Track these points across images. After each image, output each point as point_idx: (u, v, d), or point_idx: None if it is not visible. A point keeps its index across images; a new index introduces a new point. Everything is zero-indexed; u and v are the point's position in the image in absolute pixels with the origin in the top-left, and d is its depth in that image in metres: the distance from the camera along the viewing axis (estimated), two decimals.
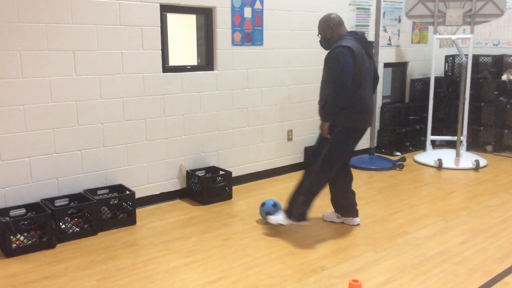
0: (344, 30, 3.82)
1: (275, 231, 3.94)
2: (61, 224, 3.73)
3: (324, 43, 3.89)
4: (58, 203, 3.93)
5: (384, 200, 4.72)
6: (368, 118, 3.79)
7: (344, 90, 3.57)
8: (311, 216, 4.25)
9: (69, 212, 3.80)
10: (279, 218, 3.92)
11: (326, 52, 3.81)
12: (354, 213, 4.08)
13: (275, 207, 4.11)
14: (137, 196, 4.26)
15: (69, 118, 4.00)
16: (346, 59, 3.57)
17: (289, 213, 3.86)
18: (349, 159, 4.05)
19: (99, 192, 4.17)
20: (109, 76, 4.16)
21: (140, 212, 4.32)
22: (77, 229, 3.80)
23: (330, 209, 4.26)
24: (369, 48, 3.80)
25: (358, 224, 4.08)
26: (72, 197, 4.02)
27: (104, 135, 4.20)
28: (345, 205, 4.05)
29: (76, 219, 3.82)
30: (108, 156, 4.25)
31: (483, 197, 4.80)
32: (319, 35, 3.89)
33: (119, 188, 4.26)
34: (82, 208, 3.84)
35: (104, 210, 3.96)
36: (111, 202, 4.02)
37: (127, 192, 4.18)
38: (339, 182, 3.99)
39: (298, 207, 3.81)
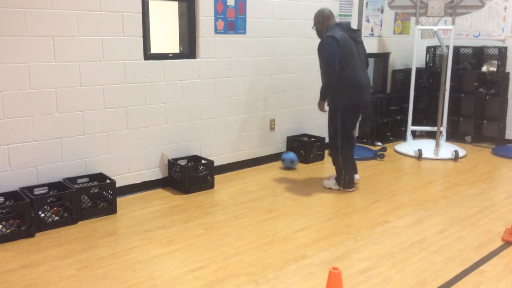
0: (332, 23, 4.52)
1: (256, 220, 3.96)
2: (40, 213, 3.68)
3: (318, 33, 4.64)
4: (37, 191, 3.87)
5: (365, 189, 4.77)
6: (362, 93, 4.49)
7: (333, 71, 4.33)
8: (290, 209, 4.29)
9: (48, 200, 3.76)
10: (330, 183, 4.78)
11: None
12: (355, 170, 4.84)
13: (292, 163, 5.39)
14: (118, 185, 4.22)
15: (48, 106, 3.93)
16: (331, 46, 4.31)
17: (339, 181, 4.72)
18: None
19: (79, 180, 4.12)
20: (89, 63, 4.09)
21: (120, 201, 4.29)
22: (56, 218, 3.76)
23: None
24: (353, 34, 4.48)
25: (358, 179, 4.95)
26: (51, 186, 3.97)
27: (84, 123, 4.15)
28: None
29: (55, 208, 3.78)
30: (88, 144, 4.20)
31: (461, 187, 4.88)
32: (314, 27, 4.65)
33: (100, 177, 4.22)
34: (61, 197, 3.80)
35: (84, 199, 3.93)
36: (91, 191, 3.98)
37: (108, 181, 4.14)
38: None
39: (343, 177, 4.67)
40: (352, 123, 4.61)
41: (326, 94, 4.48)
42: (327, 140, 5.86)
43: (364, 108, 4.76)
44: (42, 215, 3.70)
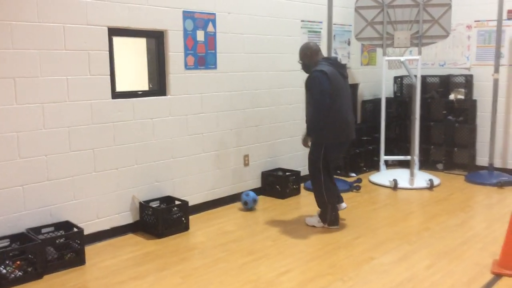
0: (320, 57, 4.41)
1: (237, 263, 3.74)
2: (1, 268, 3.36)
3: (304, 68, 4.49)
4: None
5: (346, 223, 4.63)
6: (347, 132, 4.37)
7: (323, 108, 4.16)
8: (272, 250, 4.11)
9: (10, 254, 3.44)
10: (314, 221, 4.55)
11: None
12: (340, 200, 4.61)
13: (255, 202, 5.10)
14: (85, 232, 3.93)
15: (9, 151, 3.65)
16: (322, 81, 4.14)
17: (323, 217, 4.49)
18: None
19: (43, 230, 3.82)
20: (53, 104, 3.86)
21: (89, 250, 3.99)
22: (20, 273, 3.44)
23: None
24: (342, 70, 4.39)
25: (345, 207, 4.67)
26: (13, 238, 3.66)
27: (49, 168, 3.88)
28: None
29: (18, 262, 3.46)
30: (53, 190, 3.92)
31: (441, 217, 4.82)
32: (300, 61, 4.49)
33: (66, 225, 3.93)
34: (25, 250, 3.49)
35: (49, 250, 3.63)
36: (57, 241, 3.69)
37: (75, 229, 3.85)
38: None
39: (329, 213, 4.44)
40: (334, 160, 4.49)
41: (315, 130, 4.28)
42: (302, 174, 5.77)
43: (347, 145, 4.57)
44: (4, 271, 3.37)
